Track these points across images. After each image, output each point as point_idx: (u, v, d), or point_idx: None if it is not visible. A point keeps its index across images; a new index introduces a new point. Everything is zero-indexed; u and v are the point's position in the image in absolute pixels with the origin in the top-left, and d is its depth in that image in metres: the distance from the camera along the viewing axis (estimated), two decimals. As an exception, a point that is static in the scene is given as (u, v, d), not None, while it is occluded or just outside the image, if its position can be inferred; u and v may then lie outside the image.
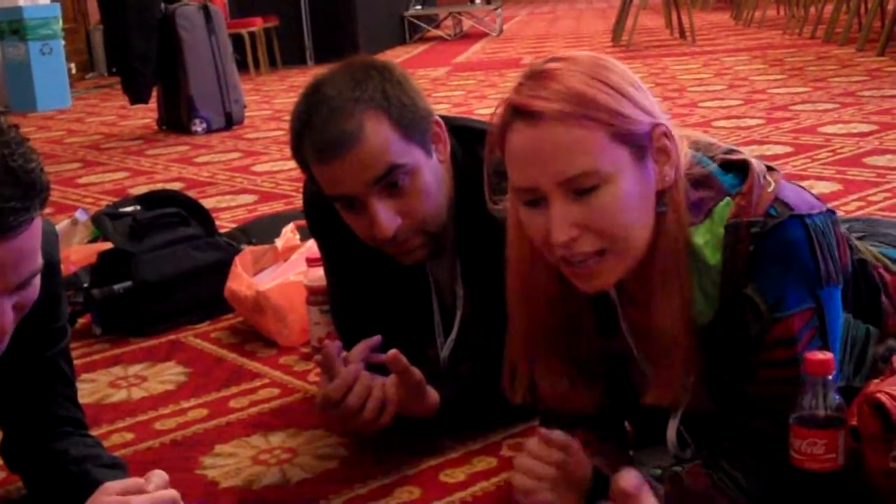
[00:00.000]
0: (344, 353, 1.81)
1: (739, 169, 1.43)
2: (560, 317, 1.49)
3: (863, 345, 1.52)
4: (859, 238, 1.63)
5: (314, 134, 1.71)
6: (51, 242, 1.53)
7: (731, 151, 1.46)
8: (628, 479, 1.35)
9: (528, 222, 1.38)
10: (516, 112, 1.34)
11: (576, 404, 1.54)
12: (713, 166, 1.43)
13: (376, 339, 1.79)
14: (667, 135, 1.37)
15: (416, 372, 1.76)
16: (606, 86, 1.33)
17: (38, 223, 1.28)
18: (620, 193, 1.33)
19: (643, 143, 1.35)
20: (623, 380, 1.55)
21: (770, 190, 1.39)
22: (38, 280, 1.33)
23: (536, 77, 1.35)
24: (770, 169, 1.43)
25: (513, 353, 1.54)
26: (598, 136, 1.31)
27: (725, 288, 1.39)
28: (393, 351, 1.74)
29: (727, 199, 1.40)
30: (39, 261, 1.31)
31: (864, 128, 4.60)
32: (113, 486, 1.37)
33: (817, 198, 1.44)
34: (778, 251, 1.37)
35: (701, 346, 1.42)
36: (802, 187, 1.46)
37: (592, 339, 1.51)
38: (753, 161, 1.43)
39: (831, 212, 1.43)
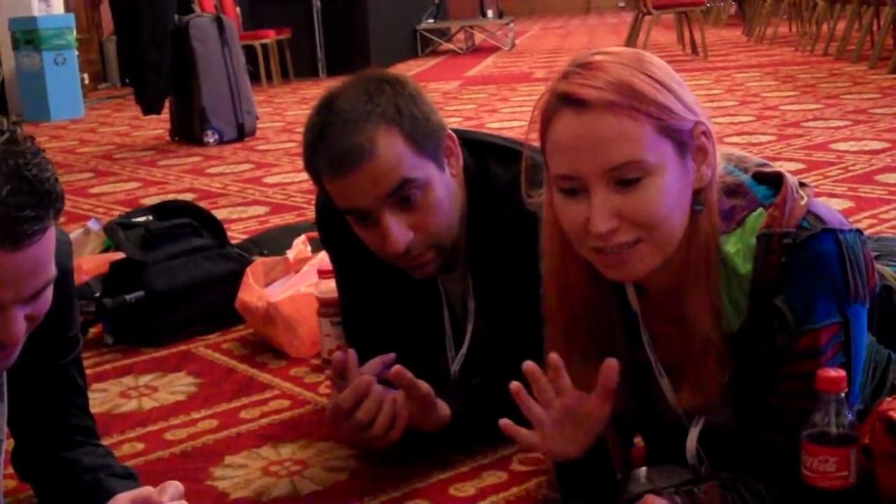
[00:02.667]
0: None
1: (772, 182, 1.43)
2: (594, 317, 1.49)
3: (883, 370, 1.52)
4: (874, 258, 1.63)
5: (327, 147, 1.71)
6: (64, 251, 1.53)
7: (763, 165, 1.47)
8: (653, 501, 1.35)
9: (563, 211, 1.38)
10: (564, 99, 1.34)
11: None
12: (746, 177, 1.44)
13: (391, 356, 1.79)
14: (706, 134, 1.38)
15: (423, 385, 1.76)
16: (654, 80, 1.34)
17: (52, 233, 1.28)
18: (662, 187, 1.33)
19: (685, 140, 1.36)
20: (644, 394, 1.55)
21: (803, 203, 1.40)
22: (50, 290, 1.34)
23: (585, 67, 1.35)
24: (802, 185, 1.44)
25: (551, 346, 1.53)
26: (645, 128, 1.32)
27: (755, 298, 1.40)
28: (397, 367, 1.73)
29: (760, 209, 1.40)
30: (53, 271, 1.31)
31: (876, 145, 4.60)
32: (124, 496, 1.37)
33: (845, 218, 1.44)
34: (810, 263, 1.37)
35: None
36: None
37: (623, 346, 1.51)
38: (787, 174, 1.43)
39: (860, 232, 1.43)
